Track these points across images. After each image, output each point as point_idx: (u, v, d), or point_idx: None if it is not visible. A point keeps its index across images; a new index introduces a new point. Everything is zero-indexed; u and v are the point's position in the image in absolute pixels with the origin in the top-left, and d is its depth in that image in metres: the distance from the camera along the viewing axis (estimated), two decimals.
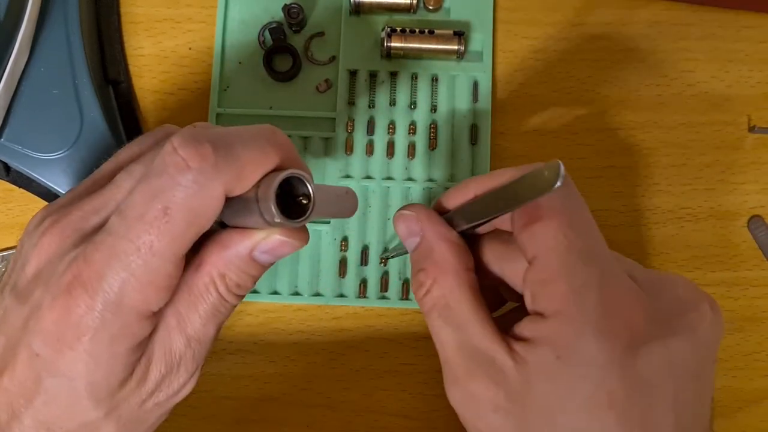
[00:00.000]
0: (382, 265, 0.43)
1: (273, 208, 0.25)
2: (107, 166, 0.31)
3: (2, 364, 0.27)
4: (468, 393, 0.29)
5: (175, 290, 0.27)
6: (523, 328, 0.28)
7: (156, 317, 0.27)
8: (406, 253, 0.33)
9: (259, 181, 0.26)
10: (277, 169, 0.27)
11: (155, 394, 0.29)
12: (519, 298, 0.31)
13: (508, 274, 0.31)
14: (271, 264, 0.29)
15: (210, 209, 0.26)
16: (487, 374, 0.28)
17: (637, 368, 0.27)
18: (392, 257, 0.42)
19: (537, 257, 0.28)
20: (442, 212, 0.33)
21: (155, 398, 0.29)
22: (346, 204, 0.30)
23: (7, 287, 0.28)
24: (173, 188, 0.25)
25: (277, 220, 0.25)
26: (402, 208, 0.33)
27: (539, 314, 0.28)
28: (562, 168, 0.24)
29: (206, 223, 0.26)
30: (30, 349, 0.26)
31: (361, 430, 0.42)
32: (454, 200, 0.32)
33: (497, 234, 0.32)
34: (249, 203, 0.26)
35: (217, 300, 0.28)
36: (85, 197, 0.29)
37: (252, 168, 0.26)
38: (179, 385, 0.29)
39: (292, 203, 0.27)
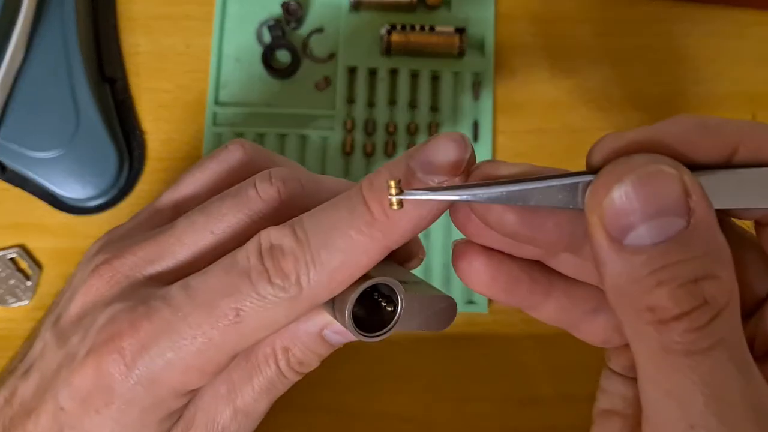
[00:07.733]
0: None
1: (348, 320, 0.22)
2: (168, 197, 0.29)
3: (31, 406, 0.26)
4: None
5: None
6: None
7: (197, 389, 0.25)
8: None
9: None
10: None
11: None
12: None
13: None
14: (341, 345, 0.26)
15: (286, 322, 0.24)
16: None
17: None
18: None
19: None
20: None
21: None
22: (441, 318, 0.24)
23: (52, 317, 0.27)
24: (250, 295, 0.23)
25: (350, 331, 0.23)
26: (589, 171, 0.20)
27: None
28: None
29: (278, 329, 0.24)
30: (56, 400, 0.25)
31: None
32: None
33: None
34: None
35: (275, 374, 0.26)
36: (145, 232, 0.27)
37: (340, 280, 0.23)
38: None
39: (375, 303, 0.24)
